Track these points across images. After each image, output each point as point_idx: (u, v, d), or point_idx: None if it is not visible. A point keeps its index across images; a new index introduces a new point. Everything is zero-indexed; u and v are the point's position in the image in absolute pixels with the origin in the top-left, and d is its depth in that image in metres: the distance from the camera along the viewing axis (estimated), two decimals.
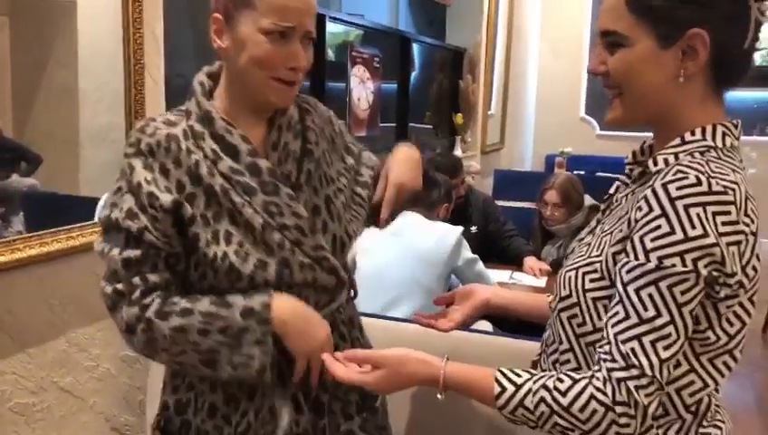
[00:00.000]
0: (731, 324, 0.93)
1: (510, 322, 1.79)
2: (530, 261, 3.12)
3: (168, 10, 1.82)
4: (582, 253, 1.02)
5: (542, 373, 0.97)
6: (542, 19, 6.92)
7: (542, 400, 0.93)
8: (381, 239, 2.16)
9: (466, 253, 2.33)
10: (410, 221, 2.29)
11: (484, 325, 2.23)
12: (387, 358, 1.04)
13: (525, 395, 0.95)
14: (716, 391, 0.99)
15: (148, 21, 1.73)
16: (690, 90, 0.96)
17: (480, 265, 2.39)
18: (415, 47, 4.12)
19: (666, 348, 0.88)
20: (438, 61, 4.64)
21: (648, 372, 0.88)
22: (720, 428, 1.00)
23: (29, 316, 1.55)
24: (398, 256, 2.24)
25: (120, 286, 1.02)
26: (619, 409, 0.89)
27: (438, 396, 1.02)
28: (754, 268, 0.92)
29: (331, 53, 3.37)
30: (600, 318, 0.97)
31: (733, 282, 0.89)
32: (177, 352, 1.03)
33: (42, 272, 1.56)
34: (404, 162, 1.20)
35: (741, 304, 0.93)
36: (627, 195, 1.04)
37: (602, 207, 1.09)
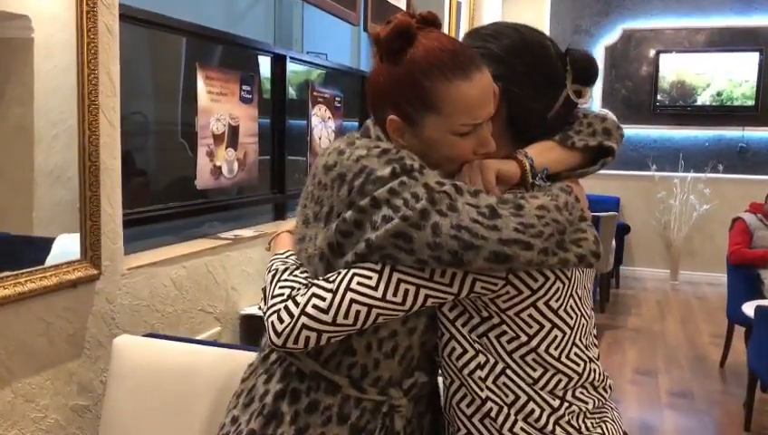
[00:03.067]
0: (529, 326, 1.04)
1: None
2: None
3: (124, 46, 1.79)
4: None
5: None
6: None
7: (275, 262, 1.12)
8: None
9: None
10: None
11: None
12: None
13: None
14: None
15: (104, 62, 1.69)
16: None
17: None
18: None
19: (321, 300, 1.00)
20: None
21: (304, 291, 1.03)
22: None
23: None
24: None
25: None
26: (289, 303, 1.02)
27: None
28: (545, 275, 1.03)
29: (293, 92, 3.37)
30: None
31: (495, 281, 1.01)
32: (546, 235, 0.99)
33: None
34: None
35: (536, 308, 1.03)
36: None
37: None
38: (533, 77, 1.10)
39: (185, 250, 2.18)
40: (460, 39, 1.14)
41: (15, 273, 1.53)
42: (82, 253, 1.70)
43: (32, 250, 1.67)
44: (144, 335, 1.85)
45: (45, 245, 1.68)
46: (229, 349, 1.72)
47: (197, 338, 2.16)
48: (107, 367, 1.76)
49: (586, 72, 1.14)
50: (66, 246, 1.69)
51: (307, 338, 1.00)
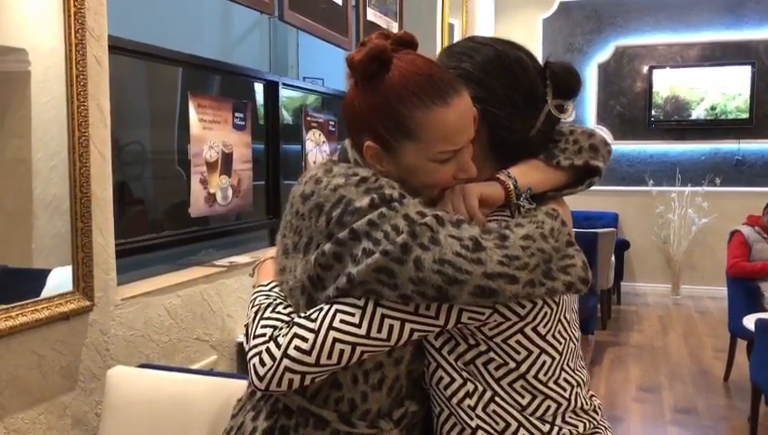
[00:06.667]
0: (517, 352, 1.02)
1: None
2: None
3: (122, 77, 1.80)
4: None
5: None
6: None
7: (258, 296, 1.09)
8: None
9: None
10: None
11: None
12: None
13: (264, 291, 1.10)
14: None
15: (93, 93, 1.70)
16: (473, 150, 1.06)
17: None
18: None
19: (303, 341, 0.98)
20: None
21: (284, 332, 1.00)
22: None
23: None
24: None
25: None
26: (271, 345, 1.00)
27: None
28: (532, 301, 1.00)
29: (288, 117, 3.38)
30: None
31: (482, 310, 0.98)
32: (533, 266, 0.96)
33: None
34: None
35: (524, 334, 1.01)
36: None
37: None
38: (512, 96, 1.07)
39: (179, 279, 2.17)
40: None
41: (6, 306, 1.53)
42: (75, 284, 1.70)
43: (29, 283, 1.66)
44: (139, 366, 1.84)
45: (42, 277, 1.68)
46: (224, 378, 1.70)
47: (194, 367, 2.14)
48: (101, 399, 1.74)
49: (567, 86, 1.10)
50: (62, 278, 1.69)
51: (290, 380, 0.98)
